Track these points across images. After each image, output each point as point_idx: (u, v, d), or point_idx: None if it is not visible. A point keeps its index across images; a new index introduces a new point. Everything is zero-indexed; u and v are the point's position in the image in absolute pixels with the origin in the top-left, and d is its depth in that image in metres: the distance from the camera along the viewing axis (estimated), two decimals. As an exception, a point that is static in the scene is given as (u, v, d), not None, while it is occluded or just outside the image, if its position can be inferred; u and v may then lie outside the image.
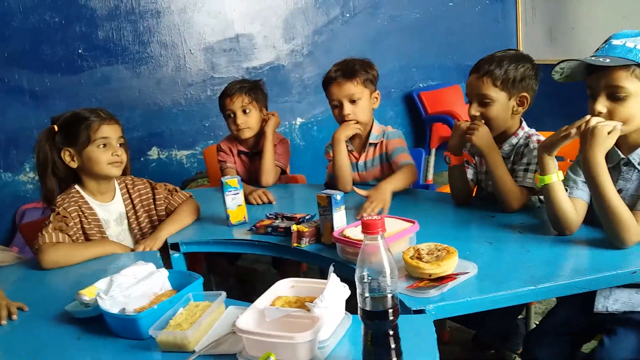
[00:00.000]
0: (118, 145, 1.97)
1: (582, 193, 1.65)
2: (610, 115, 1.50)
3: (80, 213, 1.94)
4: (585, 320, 1.61)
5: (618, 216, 1.46)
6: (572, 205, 1.61)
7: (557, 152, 1.62)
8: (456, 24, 5.05)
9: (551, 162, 1.60)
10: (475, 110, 1.89)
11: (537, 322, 1.84)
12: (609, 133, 1.47)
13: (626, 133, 1.53)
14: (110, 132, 1.95)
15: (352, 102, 2.27)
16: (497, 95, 1.87)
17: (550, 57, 4.61)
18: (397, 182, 2.14)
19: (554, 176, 1.59)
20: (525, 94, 1.89)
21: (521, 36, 5.22)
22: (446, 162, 2.00)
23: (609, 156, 1.60)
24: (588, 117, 1.52)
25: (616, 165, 1.60)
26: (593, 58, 1.50)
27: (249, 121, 2.58)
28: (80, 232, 1.94)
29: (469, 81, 1.90)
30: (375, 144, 2.36)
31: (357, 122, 2.29)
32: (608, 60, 1.47)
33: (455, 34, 5.06)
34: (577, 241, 1.59)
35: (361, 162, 2.39)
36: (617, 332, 1.49)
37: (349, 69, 2.27)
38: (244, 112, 2.57)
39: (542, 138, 1.90)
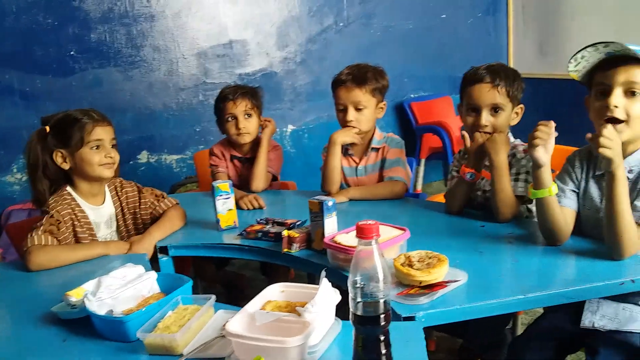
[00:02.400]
0: (111, 146, 1.96)
1: (570, 202, 1.66)
2: (623, 112, 1.49)
3: (73, 216, 1.93)
4: (571, 330, 1.61)
5: (624, 226, 1.45)
6: (564, 216, 1.62)
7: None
8: (448, 36, 5.10)
9: (546, 175, 1.59)
10: (486, 120, 1.90)
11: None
12: None
13: (629, 138, 1.52)
14: (103, 133, 1.94)
15: (358, 109, 2.27)
16: (508, 105, 1.90)
17: (540, 72, 4.69)
18: (372, 190, 2.26)
19: (547, 190, 1.59)
20: (521, 105, 1.93)
21: (512, 50, 5.28)
22: (467, 178, 1.93)
23: (598, 163, 1.62)
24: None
25: (605, 173, 1.61)
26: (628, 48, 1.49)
27: (249, 126, 2.57)
28: (72, 236, 1.92)
29: (478, 90, 1.89)
30: (378, 149, 2.37)
31: (358, 131, 2.29)
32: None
33: (447, 46, 5.10)
34: (565, 251, 1.60)
35: (361, 166, 2.39)
36: (600, 353, 1.49)
37: (361, 75, 2.27)
38: (246, 116, 2.57)
39: None
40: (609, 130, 1.42)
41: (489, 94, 1.88)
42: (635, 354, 1.48)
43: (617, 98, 1.49)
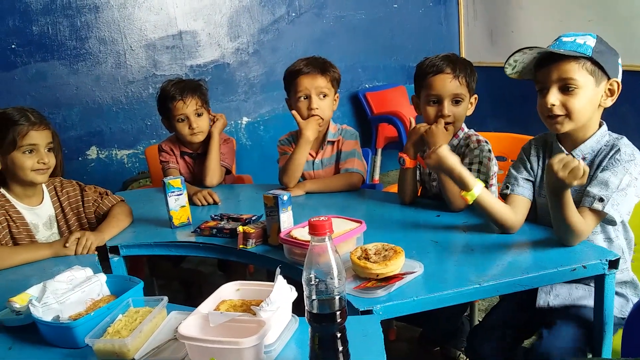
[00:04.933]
0: (46, 150, 1.87)
1: (524, 190, 1.69)
2: (561, 108, 1.53)
3: (8, 217, 1.85)
4: (526, 315, 1.65)
5: (571, 223, 1.48)
6: (506, 206, 1.65)
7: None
8: (400, 25, 5.12)
9: (468, 174, 1.63)
10: (449, 110, 1.90)
11: (481, 319, 1.87)
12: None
13: (574, 128, 1.56)
14: (38, 138, 1.85)
15: (321, 97, 2.24)
16: (467, 95, 1.92)
17: (491, 60, 4.77)
18: (329, 183, 2.26)
19: (476, 188, 1.61)
20: (475, 95, 1.96)
21: (463, 38, 5.35)
22: (400, 163, 1.98)
23: (553, 152, 1.65)
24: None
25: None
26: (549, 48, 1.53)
27: (202, 125, 2.51)
28: (9, 236, 1.84)
29: (440, 80, 1.89)
30: (333, 142, 2.35)
31: (321, 120, 2.25)
32: (562, 50, 1.50)
33: (400, 36, 5.13)
34: (519, 239, 1.62)
35: (317, 160, 2.37)
36: (557, 324, 1.53)
37: (320, 64, 2.25)
38: (197, 115, 2.50)
39: (482, 138, 1.94)
40: (556, 160, 1.40)
41: (451, 84, 1.89)
42: (588, 327, 1.52)
43: (552, 97, 1.53)
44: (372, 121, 4.82)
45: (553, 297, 1.59)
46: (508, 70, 1.64)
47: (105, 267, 1.81)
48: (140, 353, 1.15)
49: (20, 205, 1.90)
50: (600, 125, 1.60)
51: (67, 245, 1.81)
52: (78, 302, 1.32)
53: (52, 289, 1.30)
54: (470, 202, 1.63)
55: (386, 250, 1.44)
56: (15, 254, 1.77)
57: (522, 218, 1.67)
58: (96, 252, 1.84)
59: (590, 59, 1.50)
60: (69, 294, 1.31)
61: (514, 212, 1.65)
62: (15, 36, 3.48)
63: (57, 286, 1.32)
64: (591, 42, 1.51)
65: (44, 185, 1.97)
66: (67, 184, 2.03)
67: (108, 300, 1.36)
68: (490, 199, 1.64)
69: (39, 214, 1.94)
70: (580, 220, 1.47)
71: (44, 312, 1.25)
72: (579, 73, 1.50)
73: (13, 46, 3.49)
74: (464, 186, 1.63)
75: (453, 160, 1.64)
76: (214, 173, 2.49)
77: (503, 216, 1.64)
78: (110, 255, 1.88)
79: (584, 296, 1.58)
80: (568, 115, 1.53)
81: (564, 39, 1.55)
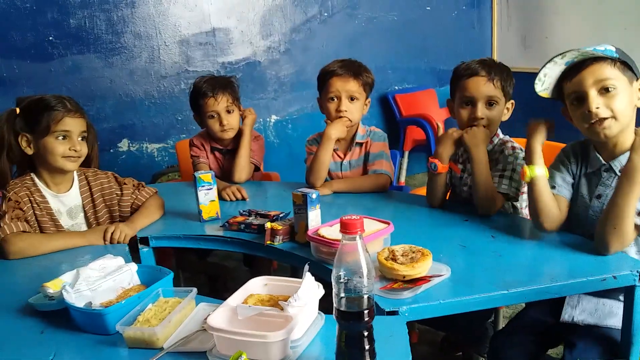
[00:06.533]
0: (79, 139, 1.90)
1: (565, 191, 1.68)
2: (606, 110, 1.49)
3: (32, 199, 1.88)
4: (551, 324, 1.63)
5: (623, 220, 1.46)
6: (555, 201, 1.63)
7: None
8: (432, 28, 5.09)
9: (540, 152, 1.63)
10: (482, 113, 1.90)
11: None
12: None
13: (620, 130, 1.53)
14: (72, 125, 1.88)
15: (351, 100, 2.25)
16: (502, 99, 1.91)
17: (524, 65, 4.70)
18: (356, 183, 2.27)
19: (539, 169, 1.61)
20: (512, 101, 1.95)
21: (496, 43, 5.30)
22: (431, 168, 1.96)
23: (590, 161, 1.63)
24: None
25: (597, 171, 1.62)
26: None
27: (232, 121, 2.54)
28: (34, 218, 1.87)
29: (474, 82, 1.89)
30: (361, 144, 2.36)
31: (349, 122, 2.27)
32: (594, 51, 1.48)
33: (431, 38, 5.10)
34: (548, 246, 1.61)
35: (346, 161, 2.37)
36: (577, 347, 1.50)
37: (354, 68, 2.27)
38: (228, 112, 2.53)
39: (517, 145, 1.92)
40: None
41: (485, 86, 1.88)
42: (612, 349, 1.49)
43: (594, 100, 1.50)
44: (401, 123, 4.80)
45: (579, 311, 1.57)
46: (538, 87, 1.62)
47: (135, 258, 1.84)
48: (169, 342, 1.17)
49: (46, 191, 1.93)
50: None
51: (105, 240, 1.86)
52: (109, 290, 1.35)
53: (84, 276, 1.33)
54: (527, 179, 1.62)
55: (414, 252, 1.44)
56: (50, 241, 1.81)
57: (563, 218, 1.65)
58: (127, 243, 1.87)
59: (618, 60, 1.48)
60: (100, 281, 1.34)
61: (559, 211, 1.63)
62: (53, 28, 3.56)
63: (90, 273, 1.35)
64: (611, 47, 1.49)
65: (75, 174, 2.00)
66: (101, 175, 2.05)
67: (138, 289, 1.38)
68: (545, 186, 1.62)
69: (65, 202, 1.96)
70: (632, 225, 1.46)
71: (76, 298, 1.28)
72: (614, 72, 1.49)
73: (50, 38, 3.56)
74: (529, 160, 1.62)
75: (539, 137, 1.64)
76: (243, 169, 2.51)
77: (550, 210, 1.62)
78: (140, 246, 1.92)
79: (611, 313, 1.55)
80: (613, 116, 1.50)
81: (583, 50, 1.52)
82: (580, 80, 1.52)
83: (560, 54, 1.52)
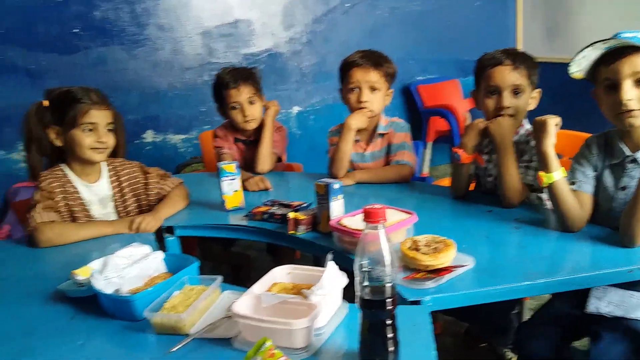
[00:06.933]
0: (106, 130, 1.93)
1: (589, 187, 1.66)
2: (637, 103, 1.48)
3: (63, 189, 1.92)
4: (577, 316, 1.61)
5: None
6: (577, 202, 1.61)
7: (555, 150, 1.61)
8: (455, 18, 5.03)
9: (555, 156, 1.60)
10: (509, 102, 1.88)
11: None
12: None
13: None
14: (98, 117, 1.90)
15: (372, 90, 2.26)
16: (527, 88, 1.89)
17: (549, 55, 4.63)
18: (379, 173, 2.27)
19: (557, 173, 1.59)
20: (539, 90, 1.92)
21: (520, 33, 5.22)
22: (455, 158, 1.95)
23: (614, 152, 1.61)
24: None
25: (621, 162, 1.60)
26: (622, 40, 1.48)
27: (254, 112, 2.56)
28: (66, 208, 1.91)
29: (499, 72, 1.87)
30: (383, 135, 2.35)
31: (370, 113, 2.27)
32: (636, 42, 1.45)
33: (454, 29, 5.04)
34: (573, 237, 1.59)
35: (368, 152, 2.38)
36: (603, 338, 1.49)
37: (375, 58, 2.26)
38: (251, 103, 2.54)
39: None
40: None
41: (510, 75, 1.86)
42: (638, 342, 1.48)
43: (628, 92, 1.48)
44: (423, 114, 4.78)
45: (605, 303, 1.55)
46: (573, 68, 1.58)
47: (161, 247, 1.87)
48: (195, 328, 1.19)
49: (78, 180, 1.96)
50: None
51: (132, 230, 1.88)
52: (137, 277, 1.38)
53: (113, 263, 1.36)
54: (545, 185, 1.60)
55: (437, 242, 1.44)
56: (81, 230, 1.85)
57: (588, 216, 1.64)
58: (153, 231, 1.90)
59: None
60: (128, 269, 1.37)
61: (582, 210, 1.62)
62: (78, 21, 3.61)
63: (118, 261, 1.37)
64: None
65: (103, 165, 2.03)
66: (128, 165, 2.08)
67: (164, 277, 1.41)
68: (566, 190, 1.60)
69: (96, 192, 2.00)
70: None
71: (105, 285, 1.31)
72: None
73: (76, 30, 3.62)
74: (545, 166, 1.60)
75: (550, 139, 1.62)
76: (265, 160, 2.53)
77: (573, 212, 1.60)
78: (165, 235, 1.95)
79: (638, 306, 1.52)
80: None
81: (624, 34, 1.49)
82: (617, 68, 1.49)
83: (602, 40, 1.49)
